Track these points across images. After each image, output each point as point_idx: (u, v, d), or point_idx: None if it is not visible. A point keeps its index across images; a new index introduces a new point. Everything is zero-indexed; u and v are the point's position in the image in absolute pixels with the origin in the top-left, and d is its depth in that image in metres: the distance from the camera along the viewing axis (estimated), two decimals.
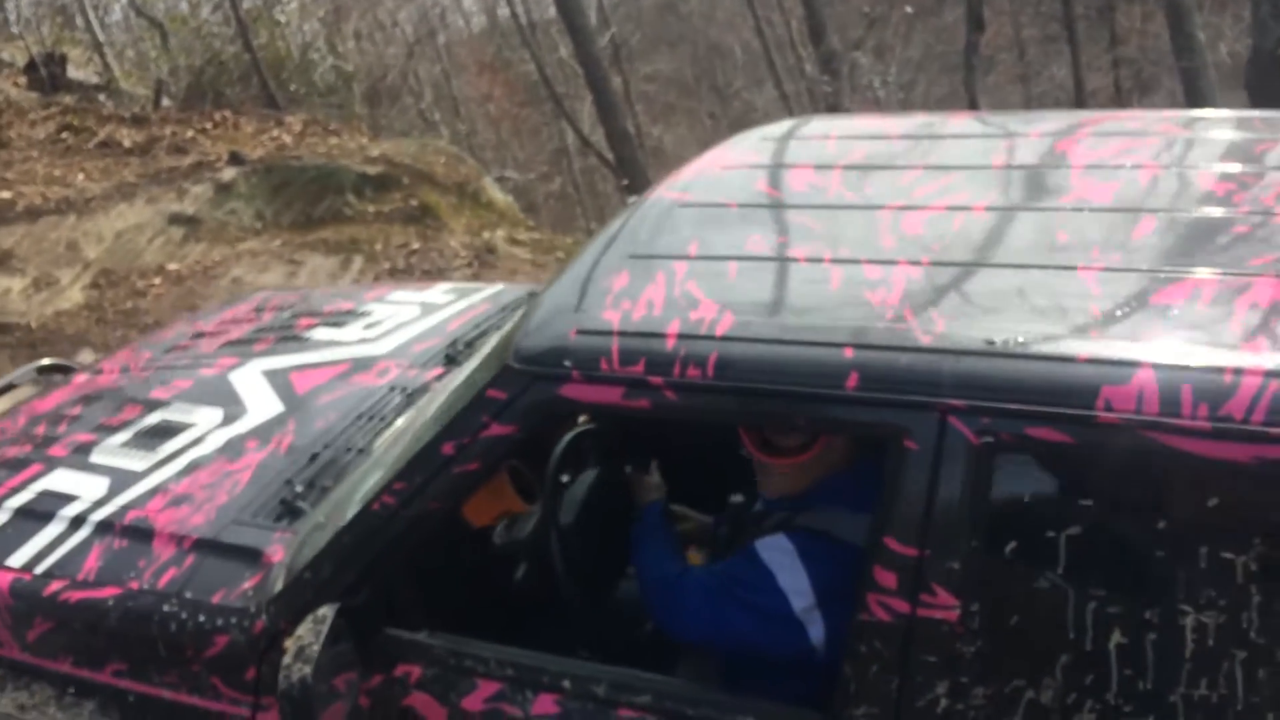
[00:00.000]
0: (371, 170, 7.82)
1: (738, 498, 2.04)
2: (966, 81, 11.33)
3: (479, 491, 1.77)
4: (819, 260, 1.69)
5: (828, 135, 2.31)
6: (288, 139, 8.95)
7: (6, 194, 7.30)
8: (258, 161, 7.94)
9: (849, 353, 1.46)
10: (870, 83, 13.68)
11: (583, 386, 1.58)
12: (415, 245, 6.93)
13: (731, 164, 2.15)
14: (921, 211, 1.80)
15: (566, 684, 1.66)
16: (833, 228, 1.81)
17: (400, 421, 2.21)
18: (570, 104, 15.56)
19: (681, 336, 1.55)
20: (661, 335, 1.56)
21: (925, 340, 1.45)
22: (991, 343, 1.42)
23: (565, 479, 1.93)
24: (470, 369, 1.88)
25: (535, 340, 1.64)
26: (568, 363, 1.58)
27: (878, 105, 13.65)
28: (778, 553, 1.62)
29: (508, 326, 1.85)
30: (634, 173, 10.80)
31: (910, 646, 1.46)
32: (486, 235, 7.22)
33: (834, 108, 11.90)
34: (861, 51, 13.76)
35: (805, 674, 1.64)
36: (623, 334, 1.58)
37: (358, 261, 6.74)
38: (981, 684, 1.44)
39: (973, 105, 11.40)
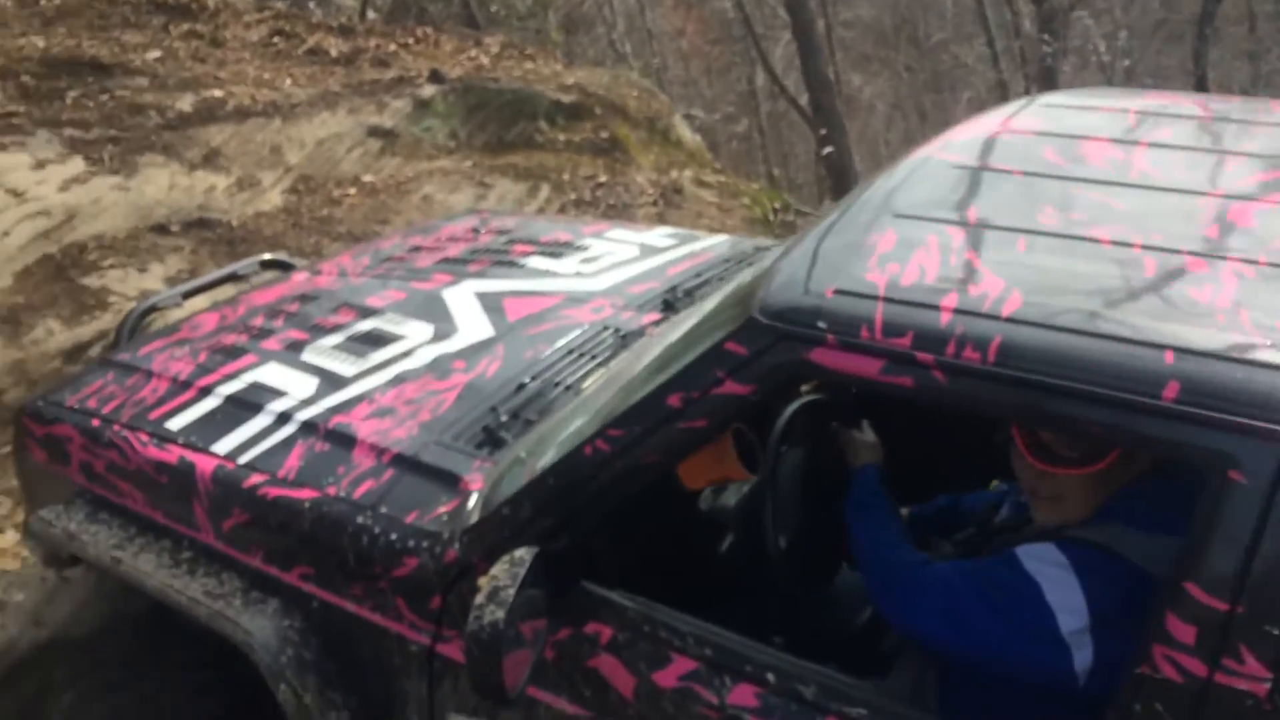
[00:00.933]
0: (565, 98, 7.75)
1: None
2: (1197, 53, 10.43)
3: (699, 452, 1.63)
4: (1128, 244, 1.44)
5: (1126, 109, 2.02)
6: (485, 60, 8.99)
7: (219, 92, 7.58)
8: (456, 81, 7.99)
9: (1169, 357, 1.23)
10: (1095, 46, 12.69)
11: (836, 353, 1.39)
12: (602, 178, 6.84)
13: (1014, 128, 1.89)
14: (1254, 203, 1.52)
15: (770, 678, 1.51)
16: (1142, 210, 1.55)
17: (613, 364, 2.10)
18: (764, 45, 15.14)
19: (959, 312, 1.35)
20: (935, 307, 1.36)
21: (1267, 354, 1.21)
22: None
23: (784, 449, 1.78)
24: (699, 315, 1.73)
25: (785, 294, 1.47)
26: (822, 324, 1.40)
27: (1101, 72, 12.68)
28: (1046, 564, 1.40)
29: (745, 276, 1.69)
30: (831, 122, 10.37)
31: (1200, 716, 1.24)
32: (674, 174, 7.06)
33: (1049, 70, 11.14)
34: (1086, 12, 12.76)
35: (1050, 702, 1.43)
36: (889, 300, 1.39)
37: (545, 190, 6.71)
38: None
39: (1201, 79, 10.54)
